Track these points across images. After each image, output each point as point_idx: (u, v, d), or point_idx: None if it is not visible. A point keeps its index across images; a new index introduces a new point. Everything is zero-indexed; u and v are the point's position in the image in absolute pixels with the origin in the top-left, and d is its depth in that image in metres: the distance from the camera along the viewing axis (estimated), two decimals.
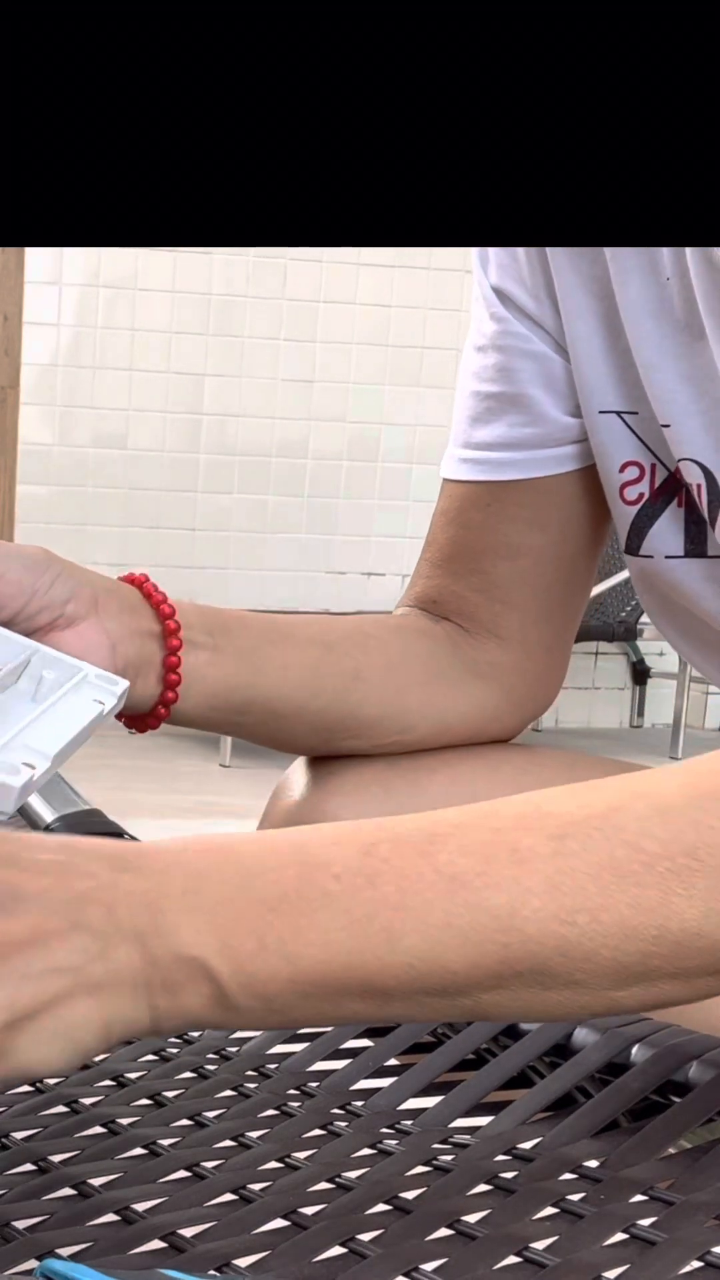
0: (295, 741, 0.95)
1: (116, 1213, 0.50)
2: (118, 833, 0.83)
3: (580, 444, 0.97)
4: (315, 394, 4.82)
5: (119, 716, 0.82)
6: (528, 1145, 0.56)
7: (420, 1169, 0.54)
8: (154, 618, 0.84)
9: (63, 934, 0.52)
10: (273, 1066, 0.64)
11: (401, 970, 0.52)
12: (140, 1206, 0.51)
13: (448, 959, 0.52)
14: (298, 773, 0.97)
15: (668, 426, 0.90)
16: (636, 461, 0.94)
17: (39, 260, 4.51)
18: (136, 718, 0.85)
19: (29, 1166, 0.54)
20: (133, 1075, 0.63)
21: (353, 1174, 0.53)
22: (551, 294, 0.95)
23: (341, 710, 0.93)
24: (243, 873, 0.55)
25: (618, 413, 0.94)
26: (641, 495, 0.95)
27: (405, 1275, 0.46)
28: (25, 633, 0.79)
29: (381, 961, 0.52)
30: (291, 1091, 0.61)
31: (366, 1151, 0.56)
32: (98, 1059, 0.64)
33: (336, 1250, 0.48)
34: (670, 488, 0.94)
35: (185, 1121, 0.59)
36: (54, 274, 4.55)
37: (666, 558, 0.95)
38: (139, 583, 0.85)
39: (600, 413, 0.95)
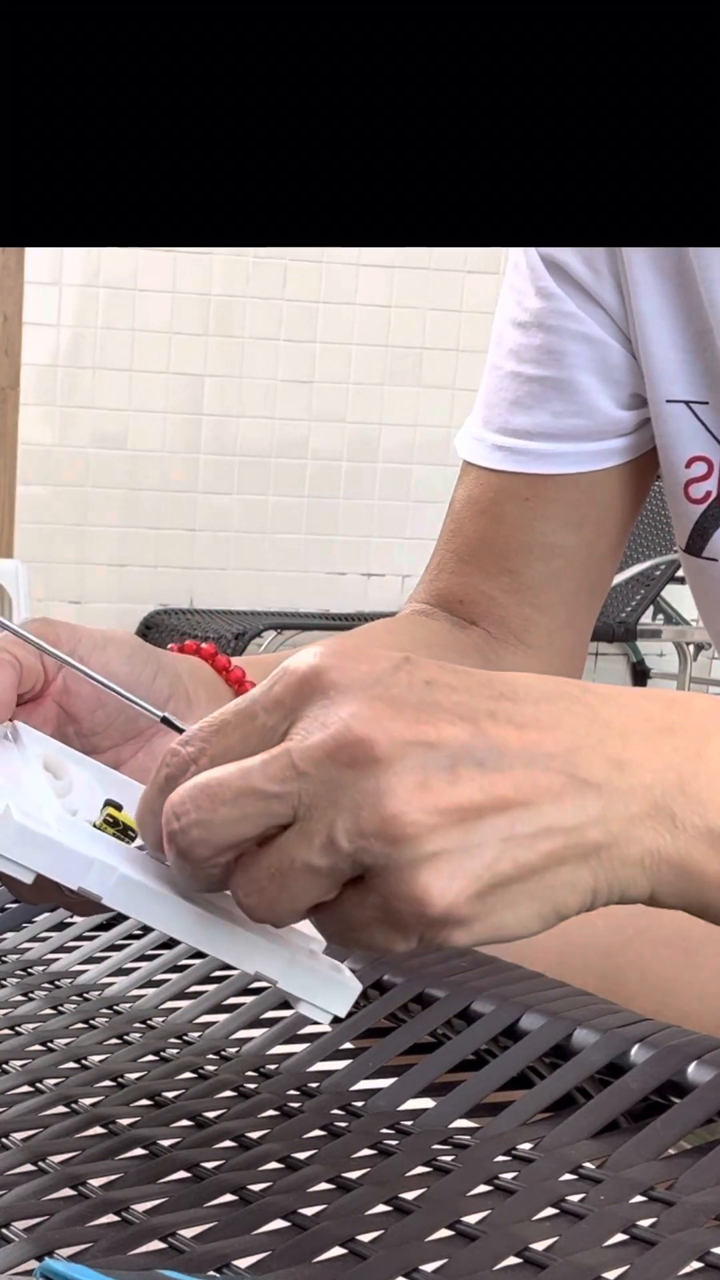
0: None
1: (116, 1213, 0.50)
2: None
3: (627, 438, 0.92)
4: (315, 394, 4.82)
5: None
6: (528, 1146, 0.56)
7: (421, 1169, 0.54)
8: (233, 695, 0.74)
9: (557, 792, 0.46)
10: (273, 1066, 0.64)
11: None
12: (140, 1207, 0.50)
13: None
14: None
15: None
16: (705, 456, 0.88)
17: (39, 260, 4.51)
18: None
19: (29, 1166, 0.54)
20: (133, 1075, 0.63)
21: (353, 1174, 0.53)
22: (613, 268, 0.88)
23: None
24: None
25: (687, 402, 0.88)
26: (709, 494, 0.88)
27: (406, 1276, 0.46)
28: (119, 741, 0.66)
29: None
30: (292, 1092, 0.61)
31: (367, 1152, 0.56)
32: (97, 1059, 0.64)
33: (337, 1251, 0.48)
34: None
35: (185, 1121, 0.58)
36: (54, 274, 4.55)
37: None
38: (209, 656, 0.75)
39: (667, 402, 0.88)
